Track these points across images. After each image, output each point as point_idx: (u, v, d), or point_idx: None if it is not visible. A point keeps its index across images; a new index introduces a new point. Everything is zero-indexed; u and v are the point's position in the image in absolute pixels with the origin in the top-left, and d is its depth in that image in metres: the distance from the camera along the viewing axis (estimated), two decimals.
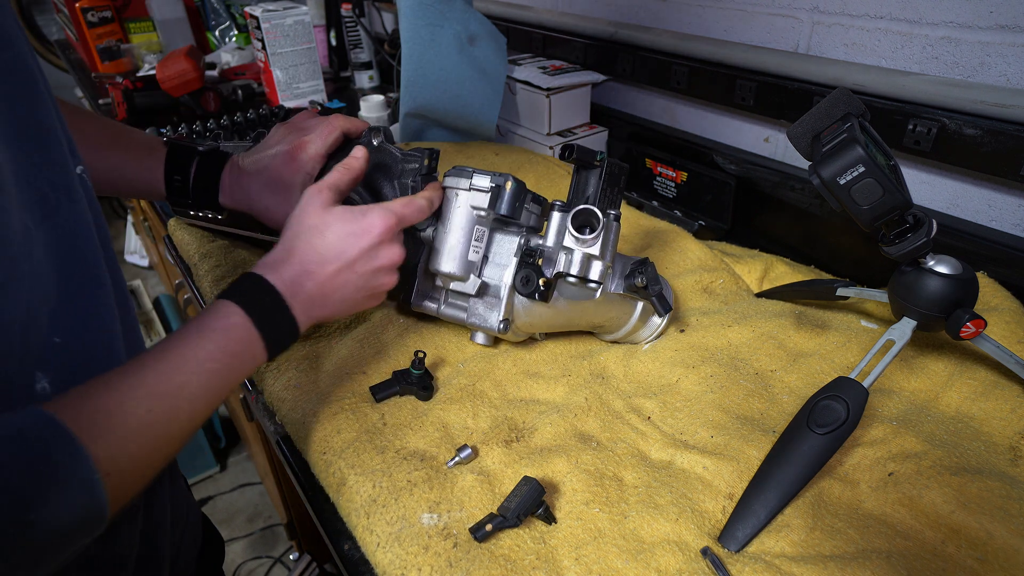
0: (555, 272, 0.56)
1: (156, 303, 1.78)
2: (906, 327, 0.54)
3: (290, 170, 0.62)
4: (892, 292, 0.56)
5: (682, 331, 0.67)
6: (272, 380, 0.62)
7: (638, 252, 0.80)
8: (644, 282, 0.56)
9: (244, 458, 1.96)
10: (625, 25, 1.05)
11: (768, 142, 0.92)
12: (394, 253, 0.53)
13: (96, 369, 0.38)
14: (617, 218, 0.58)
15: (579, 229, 0.56)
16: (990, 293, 0.64)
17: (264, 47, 1.27)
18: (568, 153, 0.56)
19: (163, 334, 1.63)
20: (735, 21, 0.90)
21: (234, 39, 1.77)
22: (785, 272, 0.79)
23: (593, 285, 0.57)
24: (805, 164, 0.53)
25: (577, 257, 0.55)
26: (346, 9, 1.46)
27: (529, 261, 0.56)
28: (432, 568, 0.44)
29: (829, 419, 0.49)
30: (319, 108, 1.25)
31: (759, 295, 0.76)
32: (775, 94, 0.84)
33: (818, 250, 0.84)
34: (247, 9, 1.31)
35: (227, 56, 1.57)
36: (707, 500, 0.49)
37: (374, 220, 0.51)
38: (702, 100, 0.98)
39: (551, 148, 1.03)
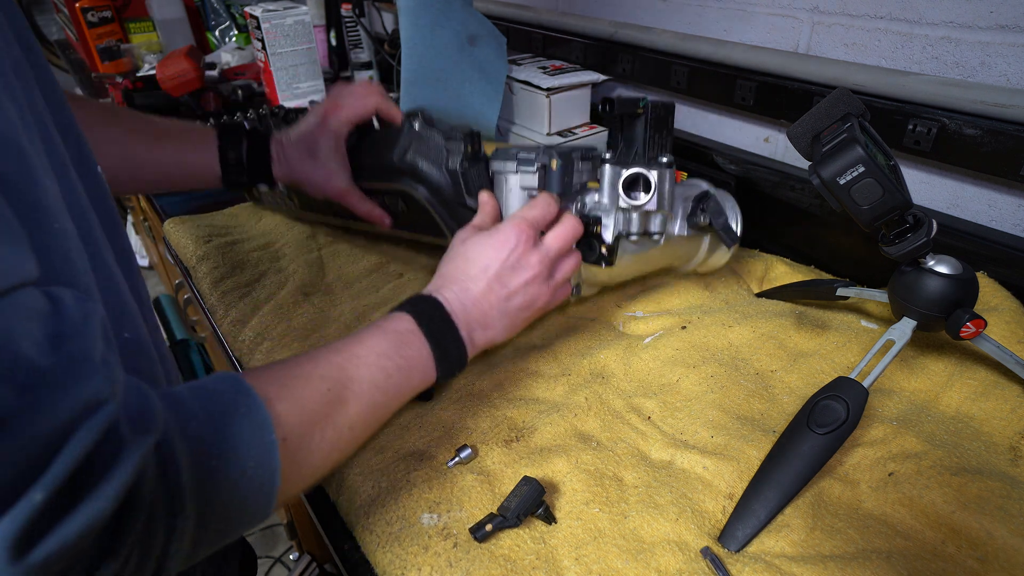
0: (615, 235, 0.56)
1: (156, 303, 1.78)
2: (906, 327, 0.54)
3: (322, 134, 0.67)
4: (892, 292, 0.56)
5: (684, 327, 0.67)
6: None
7: None
8: (707, 220, 0.57)
9: None
10: (625, 25, 1.05)
11: (768, 142, 0.92)
12: (539, 258, 0.54)
13: (142, 374, 0.36)
14: (670, 164, 0.56)
15: (631, 189, 0.55)
16: (990, 293, 0.64)
17: (264, 47, 1.27)
18: (608, 107, 0.55)
19: (163, 334, 1.63)
20: (735, 21, 0.90)
21: (234, 39, 1.77)
22: (785, 272, 0.79)
23: (656, 237, 0.58)
24: (805, 164, 0.53)
25: (635, 216, 0.55)
26: (346, 9, 1.46)
27: (588, 230, 0.56)
28: (432, 568, 0.44)
29: (829, 419, 0.49)
30: None
31: (759, 295, 0.76)
32: (775, 94, 0.84)
33: (818, 250, 0.84)
34: (247, 9, 1.31)
35: (227, 56, 1.57)
36: (707, 500, 0.49)
37: (507, 230, 0.53)
38: (702, 100, 0.98)
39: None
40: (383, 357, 0.44)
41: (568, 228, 0.55)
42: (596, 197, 0.58)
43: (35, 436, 0.21)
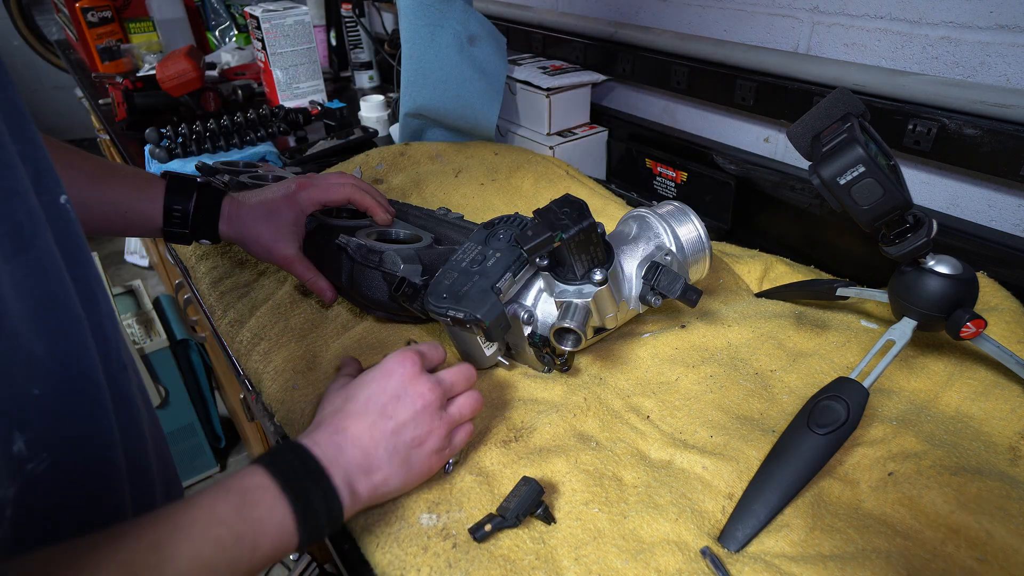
0: (569, 352, 0.56)
1: (156, 303, 1.78)
2: (906, 327, 0.54)
3: (286, 204, 0.67)
4: (892, 292, 0.56)
5: (683, 326, 0.67)
6: (270, 381, 0.62)
7: None
8: (660, 299, 0.57)
9: (244, 458, 1.96)
10: (625, 25, 1.05)
11: (768, 142, 0.92)
12: (430, 386, 0.47)
13: (78, 425, 0.35)
14: (604, 280, 0.53)
15: (562, 336, 0.55)
16: (990, 293, 0.64)
17: (264, 47, 1.27)
18: (520, 251, 0.52)
19: (163, 335, 1.63)
20: (735, 21, 0.90)
21: (234, 39, 1.77)
22: (785, 272, 0.79)
23: (611, 325, 0.59)
24: (805, 164, 0.53)
25: (578, 317, 0.53)
26: (346, 9, 1.46)
27: (540, 346, 0.57)
28: (431, 568, 0.44)
29: (829, 419, 0.49)
30: (320, 108, 1.25)
31: (759, 295, 0.76)
32: (775, 94, 0.84)
33: (818, 250, 0.84)
34: (247, 9, 1.31)
35: (227, 56, 1.57)
36: (707, 500, 0.49)
37: (390, 359, 0.48)
38: (702, 100, 0.98)
39: (551, 148, 1.03)
40: (216, 525, 0.35)
41: (463, 369, 0.51)
42: (535, 301, 0.57)
43: None
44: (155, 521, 0.34)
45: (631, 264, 0.60)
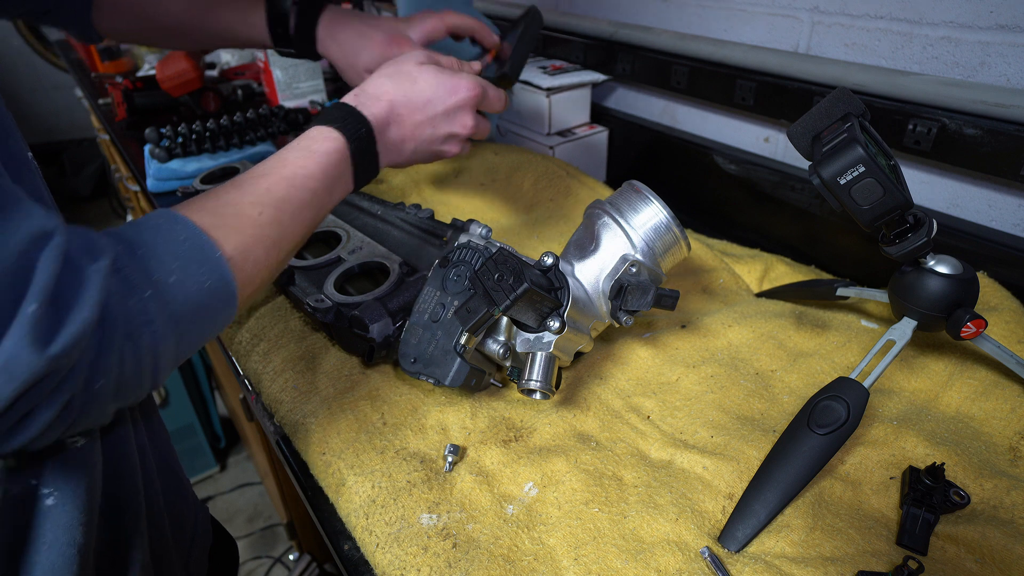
0: (539, 397, 0.55)
1: None
2: (906, 327, 0.54)
3: (384, 39, 0.69)
4: (892, 292, 0.56)
5: (683, 326, 0.67)
6: (270, 381, 0.62)
7: None
8: (631, 317, 0.55)
9: (244, 458, 1.96)
10: (625, 25, 1.05)
11: (768, 142, 0.92)
12: (471, 121, 0.58)
13: None
14: (560, 329, 0.52)
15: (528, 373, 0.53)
16: (990, 293, 0.64)
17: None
18: (465, 327, 0.52)
19: None
20: (735, 21, 0.90)
21: None
22: (785, 272, 0.79)
23: (581, 346, 0.58)
24: (805, 164, 0.53)
25: (540, 373, 0.52)
26: (346, 8, 1.46)
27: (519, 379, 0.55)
28: (431, 568, 0.44)
29: (829, 419, 0.49)
30: (319, 108, 1.25)
31: (759, 295, 0.76)
32: (775, 94, 0.84)
33: (818, 250, 0.84)
34: None
35: (227, 56, 1.57)
36: (707, 500, 0.49)
37: (463, 81, 0.56)
38: (702, 100, 0.98)
39: (551, 148, 1.03)
40: (309, 179, 0.45)
41: (497, 98, 0.61)
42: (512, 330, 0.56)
43: (5, 265, 0.26)
44: (266, 174, 0.44)
45: (595, 283, 0.57)
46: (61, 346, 0.27)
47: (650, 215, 0.56)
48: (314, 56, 0.72)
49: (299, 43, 0.71)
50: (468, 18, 0.72)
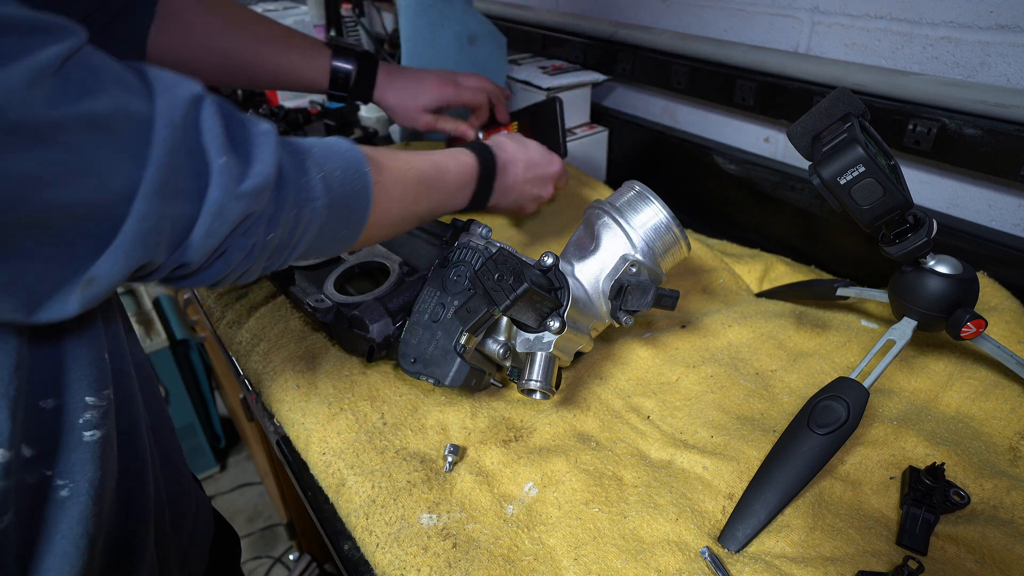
0: (539, 397, 0.55)
1: (156, 303, 1.78)
2: (906, 327, 0.54)
3: (432, 77, 0.80)
4: (892, 292, 0.56)
5: (683, 326, 0.67)
6: (270, 381, 0.62)
7: None
8: (631, 317, 0.55)
9: (244, 458, 1.96)
10: (625, 25, 1.05)
11: (768, 142, 0.92)
12: (552, 190, 0.72)
13: None
14: (560, 329, 0.52)
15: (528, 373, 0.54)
16: (990, 293, 0.64)
17: None
18: (465, 327, 0.52)
19: (163, 335, 1.63)
20: (735, 21, 0.90)
21: None
22: (785, 272, 0.79)
23: (581, 346, 0.58)
24: (805, 164, 0.53)
25: (540, 373, 0.53)
26: (346, 9, 1.46)
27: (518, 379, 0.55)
28: (431, 568, 0.44)
29: (829, 419, 0.49)
30: (319, 108, 1.25)
31: (759, 295, 0.76)
32: (775, 94, 0.84)
33: (818, 250, 0.84)
34: None
35: None
36: (707, 500, 0.49)
37: (556, 159, 0.72)
38: (702, 100, 0.98)
39: None
40: (447, 172, 0.56)
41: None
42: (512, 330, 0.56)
43: (180, 124, 0.30)
44: (431, 158, 0.55)
45: (595, 283, 0.57)
46: (253, 187, 0.33)
47: (650, 215, 0.56)
48: (366, 101, 0.80)
49: (356, 90, 0.78)
50: (499, 90, 0.86)
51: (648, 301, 0.54)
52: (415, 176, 0.51)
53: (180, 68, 0.66)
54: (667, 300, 0.55)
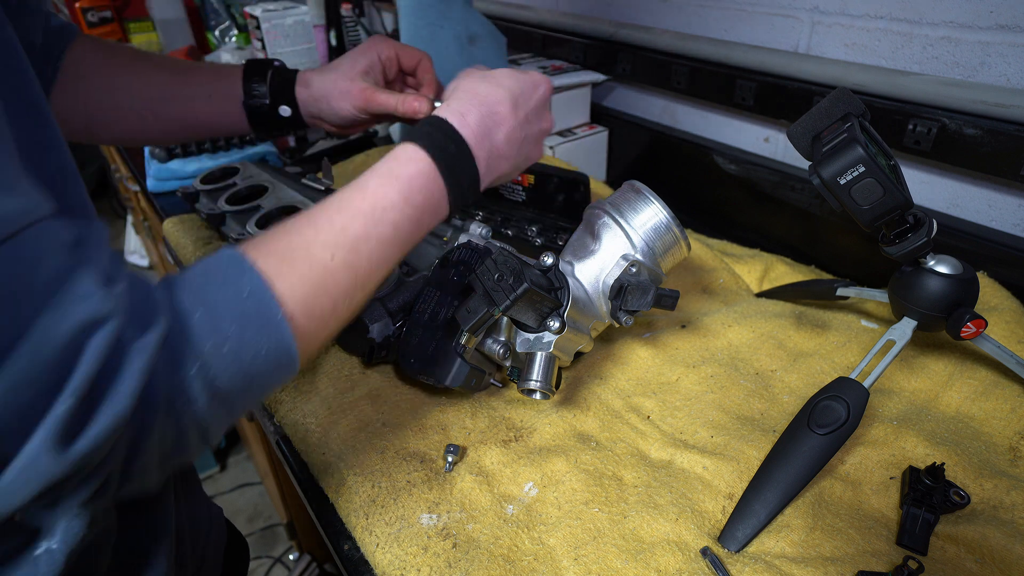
0: (539, 397, 0.54)
1: None
2: (906, 327, 0.54)
3: (354, 52, 0.63)
4: (892, 292, 0.56)
5: (683, 326, 0.67)
6: None
7: None
8: (631, 317, 0.55)
9: (244, 458, 1.96)
10: (625, 25, 1.05)
11: (768, 142, 0.92)
12: (552, 116, 0.55)
13: None
14: (560, 329, 0.52)
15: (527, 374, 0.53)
16: (990, 293, 0.64)
17: (264, 47, 1.27)
18: (465, 327, 0.51)
19: None
20: (735, 21, 0.90)
21: (234, 39, 1.76)
22: (785, 272, 0.79)
23: (581, 346, 0.57)
24: (805, 164, 0.53)
25: (540, 373, 0.52)
26: (346, 9, 1.46)
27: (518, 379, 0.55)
28: (431, 568, 0.44)
29: (829, 419, 0.49)
30: None
31: (759, 295, 0.76)
32: (775, 94, 0.84)
33: (818, 250, 0.84)
34: (247, 9, 1.31)
35: (227, 56, 1.57)
36: (707, 500, 0.49)
37: (538, 75, 0.53)
38: (702, 100, 0.98)
39: (551, 148, 1.03)
40: (391, 211, 0.41)
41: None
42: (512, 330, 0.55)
43: (49, 357, 0.25)
44: (342, 207, 0.40)
45: (595, 283, 0.56)
46: (86, 446, 0.25)
47: (650, 215, 0.56)
48: (290, 102, 0.64)
49: (275, 94, 0.63)
50: (415, 50, 0.66)
51: (648, 301, 0.54)
52: (344, 260, 0.38)
53: (81, 127, 0.58)
54: (667, 300, 0.55)
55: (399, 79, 0.67)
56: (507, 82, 0.50)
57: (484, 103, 0.48)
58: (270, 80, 0.62)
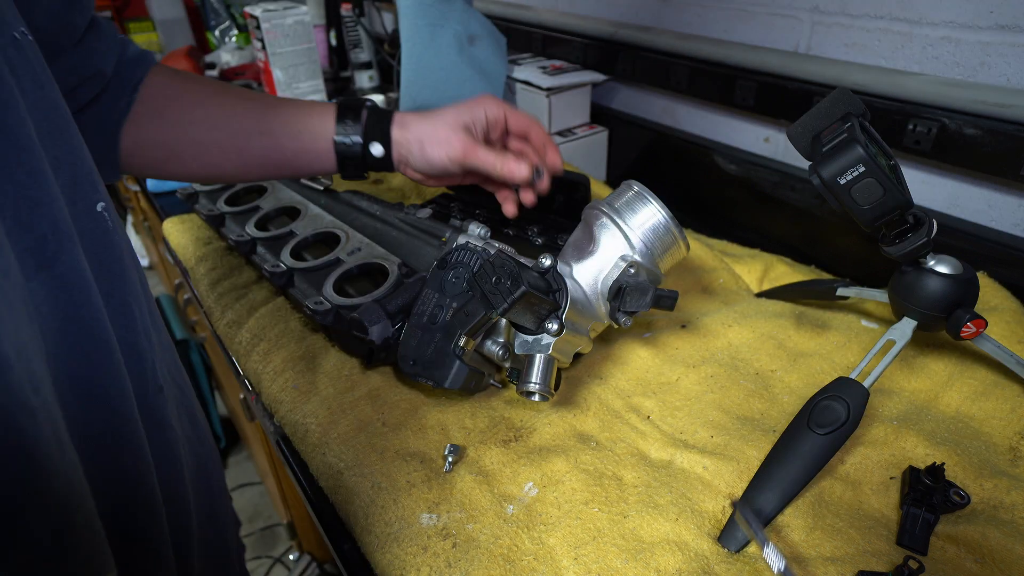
0: (537, 399, 0.54)
1: (156, 303, 1.78)
2: (906, 327, 0.54)
3: (455, 107, 0.62)
4: (892, 292, 0.56)
5: (683, 326, 0.67)
6: (270, 381, 0.62)
7: None
8: (630, 317, 0.55)
9: (244, 458, 1.95)
10: (625, 25, 1.05)
11: (768, 142, 0.92)
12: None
13: (99, 458, 0.33)
14: (558, 331, 0.52)
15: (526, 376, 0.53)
16: (990, 293, 0.64)
17: (264, 47, 1.27)
18: (463, 330, 0.51)
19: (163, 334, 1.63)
20: (735, 21, 0.90)
21: (234, 39, 1.77)
22: (785, 272, 0.79)
23: (579, 348, 0.57)
24: (805, 164, 0.53)
25: (539, 376, 0.52)
26: (346, 9, 1.46)
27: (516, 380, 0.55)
28: (431, 568, 0.44)
29: (829, 419, 0.49)
30: None
31: (759, 295, 0.76)
32: (775, 94, 0.84)
33: (818, 250, 0.84)
34: (247, 9, 1.31)
35: (227, 56, 1.57)
36: (707, 500, 0.49)
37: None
38: (702, 100, 0.98)
39: None
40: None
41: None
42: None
43: None
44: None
45: (594, 284, 0.56)
46: None
47: (648, 215, 0.56)
48: (387, 145, 0.62)
49: (369, 131, 0.61)
50: (516, 112, 0.65)
51: (647, 302, 0.53)
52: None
53: (155, 161, 0.56)
54: (666, 301, 0.55)
55: (501, 141, 0.66)
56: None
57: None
58: (365, 119, 0.61)
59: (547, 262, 0.53)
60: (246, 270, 0.79)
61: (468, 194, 0.93)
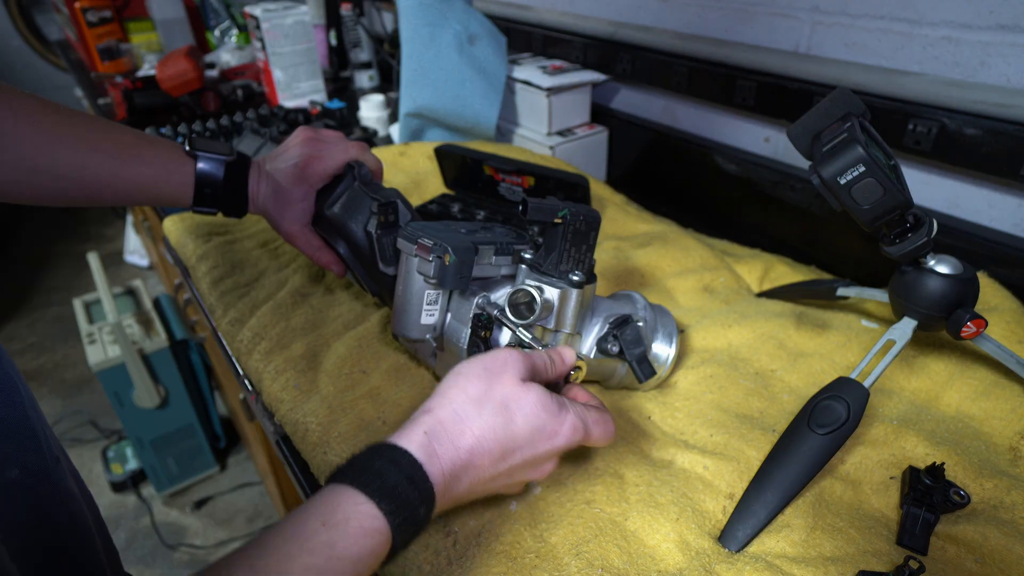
0: (506, 344, 0.51)
1: (156, 303, 1.78)
2: (907, 327, 0.54)
3: (295, 182, 0.61)
4: (892, 292, 0.56)
5: (681, 331, 0.67)
6: (271, 381, 0.62)
7: (642, 247, 0.80)
8: (618, 349, 0.54)
9: (244, 458, 1.95)
10: (625, 25, 1.05)
11: (768, 142, 0.92)
12: (552, 468, 0.44)
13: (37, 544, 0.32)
14: (580, 284, 0.50)
15: (517, 308, 0.50)
16: (990, 293, 0.64)
17: (264, 47, 1.27)
18: (522, 210, 0.48)
19: (163, 335, 1.63)
20: (735, 21, 0.90)
21: (234, 39, 1.77)
22: (785, 272, 0.79)
23: (564, 332, 0.55)
24: (805, 164, 0.53)
25: (526, 332, 0.50)
26: (346, 9, 1.47)
27: (480, 334, 0.51)
28: (432, 566, 0.44)
29: (830, 419, 0.49)
30: (320, 108, 1.25)
31: (759, 295, 0.76)
32: (775, 94, 0.84)
33: (818, 250, 0.84)
34: (247, 9, 1.31)
35: (227, 56, 1.57)
36: (707, 500, 0.49)
37: (568, 423, 0.42)
38: (702, 100, 0.98)
39: (551, 148, 1.03)
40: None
41: (604, 435, 0.45)
42: (500, 300, 0.53)
43: None
44: (262, 569, 0.31)
45: (601, 315, 0.56)
46: None
47: (666, 338, 0.59)
48: (240, 214, 0.65)
49: (226, 200, 0.62)
50: (369, 156, 0.65)
51: (637, 352, 0.54)
52: None
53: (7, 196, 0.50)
54: (646, 367, 0.54)
55: None
56: (520, 424, 0.40)
57: (474, 446, 0.38)
58: (222, 198, 0.62)
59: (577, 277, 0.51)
60: (248, 268, 0.79)
61: (469, 194, 0.93)
